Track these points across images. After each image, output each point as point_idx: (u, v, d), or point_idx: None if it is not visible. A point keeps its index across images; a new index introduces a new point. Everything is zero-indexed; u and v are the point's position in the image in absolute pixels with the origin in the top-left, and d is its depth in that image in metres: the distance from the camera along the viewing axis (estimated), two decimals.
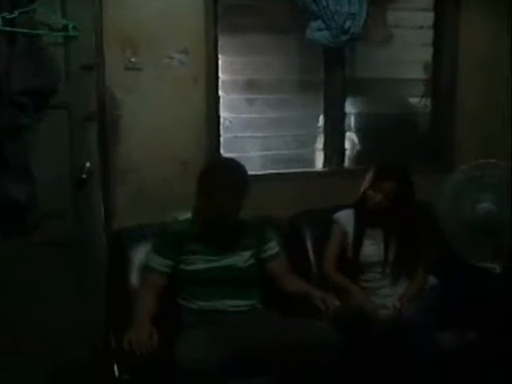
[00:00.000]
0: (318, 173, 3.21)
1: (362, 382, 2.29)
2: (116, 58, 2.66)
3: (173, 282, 2.34)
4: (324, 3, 2.83)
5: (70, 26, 2.37)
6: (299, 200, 2.94)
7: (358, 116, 3.29)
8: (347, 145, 3.26)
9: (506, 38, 3.22)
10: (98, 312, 2.55)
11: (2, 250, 2.28)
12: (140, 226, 2.60)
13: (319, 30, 2.90)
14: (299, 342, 2.11)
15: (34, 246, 2.38)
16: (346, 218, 2.67)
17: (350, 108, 3.24)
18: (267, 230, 2.48)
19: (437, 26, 3.30)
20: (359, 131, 3.31)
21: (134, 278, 2.46)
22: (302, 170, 3.16)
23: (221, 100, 2.94)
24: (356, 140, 3.31)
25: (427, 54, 3.33)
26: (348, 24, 2.89)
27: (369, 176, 2.63)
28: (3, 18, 2.08)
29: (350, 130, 3.27)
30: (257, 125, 3.08)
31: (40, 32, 2.26)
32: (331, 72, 3.14)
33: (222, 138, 2.97)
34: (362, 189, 2.64)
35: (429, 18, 3.30)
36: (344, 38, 2.93)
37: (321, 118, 3.20)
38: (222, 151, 2.96)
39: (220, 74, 2.92)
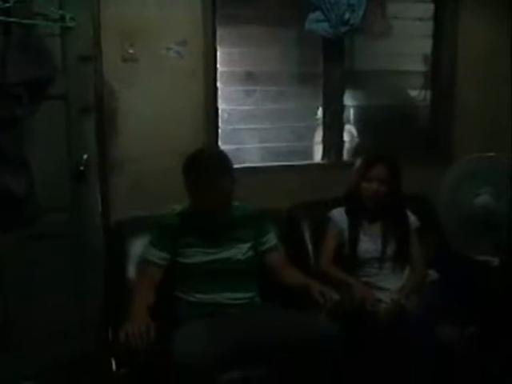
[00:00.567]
0: (317, 165, 3.20)
1: (362, 375, 2.28)
2: (114, 49, 2.64)
3: (170, 275, 2.33)
4: None
5: (68, 16, 2.35)
6: (298, 192, 2.93)
7: (357, 108, 3.28)
8: (346, 137, 3.25)
9: (506, 30, 3.19)
10: (96, 304, 2.55)
11: None
12: (138, 218, 2.59)
13: (318, 21, 2.89)
14: (298, 335, 2.10)
15: (32, 238, 2.38)
16: (340, 215, 2.66)
17: (349, 100, 3.22)
18: (266, 222, 2.47)
19: (436, 17, 3.28)
20: (358, 123, 3.30)
21: (132, 270, 2.44)
22: (300, 163, 3.15)
23: (219, 92, 2.92)
24: (355, 132, 3.30)
25: (427, 45, 3.31)
26: (347, 15, 2.88)
27: (356, 169, 2.61)
28: None
29: (348, 122, 3.26)
30: (255, 117, 3.07)
31: (37, 22, 2.25)
32: (330, 64, 3.12)
33: (220, 130, 2.95)
34: (353, 184, 2.61)
35: (428, 9, 3.27)
36: (343, 29, 2.92)
37: (320, 111, 3.18)
38: (220, 143, 2.94)
39: (218, 66, 2.90)
